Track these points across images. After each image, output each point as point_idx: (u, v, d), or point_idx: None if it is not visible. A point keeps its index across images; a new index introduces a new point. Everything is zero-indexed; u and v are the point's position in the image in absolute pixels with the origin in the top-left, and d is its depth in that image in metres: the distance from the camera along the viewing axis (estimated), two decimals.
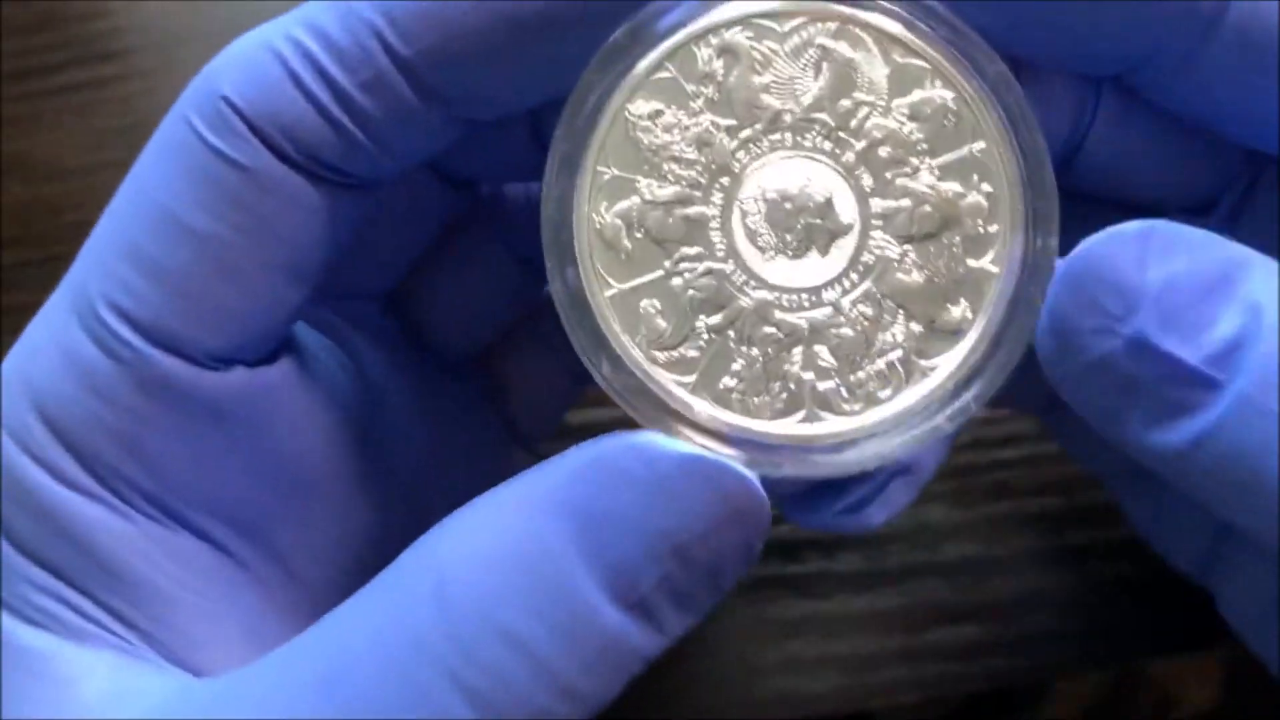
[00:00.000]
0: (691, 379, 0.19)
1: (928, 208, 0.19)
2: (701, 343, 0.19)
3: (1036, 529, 0.31)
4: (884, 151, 0.19)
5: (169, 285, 0.19)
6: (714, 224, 0.19)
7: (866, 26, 0.19)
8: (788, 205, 0.19)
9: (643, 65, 0.19)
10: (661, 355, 0.19)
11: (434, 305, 0.26)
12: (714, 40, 0.19)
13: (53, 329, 0.20)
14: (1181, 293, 0.17)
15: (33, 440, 0.19)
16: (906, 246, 0.19)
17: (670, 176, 0.19)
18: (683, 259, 0.19)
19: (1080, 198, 0.21)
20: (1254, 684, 0.32)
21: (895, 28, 0.19)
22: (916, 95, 0.19)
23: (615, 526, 0.17)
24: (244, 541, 0.20)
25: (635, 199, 0.19)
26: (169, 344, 0.19)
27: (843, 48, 0.19)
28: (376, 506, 0.22)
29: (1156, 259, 0.17)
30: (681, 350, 0.19)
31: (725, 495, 0.17)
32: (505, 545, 0.17)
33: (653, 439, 0.18)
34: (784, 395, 0.19)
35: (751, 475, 0.18)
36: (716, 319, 0.19)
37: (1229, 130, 0.21)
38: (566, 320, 0.19)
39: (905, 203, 0.19)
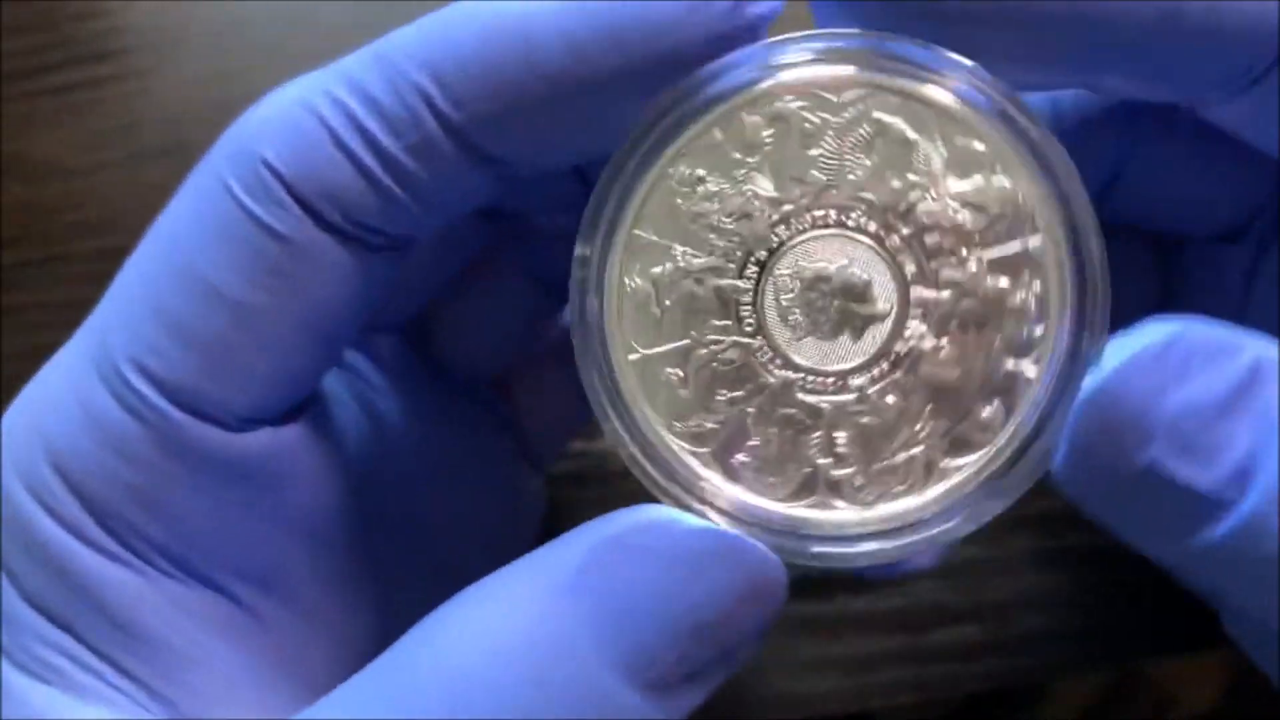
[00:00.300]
0: (706, 451, 0.18)
1: (970, 301, 0.18)
2: (721, 416, 0.18)
3: (1036, 530, 0.31)
4: (931, 238, 0.18)
5: (198, 349, 0.18)
6: (745, 299, 0.18)
7: (929, 104, 0.18)
8: (823, 286, 0.18)
9: (689, 130, 0.18)
10: (679, 425, 0.18)
11: (453, 332, 0.26)
12: (765, 108, 0.18)
13: (73, 383, 0.19)
14: (1197, 416, 0.16)
15: (48, 494, 0.19)
16: (944, 339, 0.18)
17: (706, 246, 0.18)
18: (710, 330, 0.18)
19: (1112, 228, 0.21)
20: (1253, 685, 0.32)
21: (960, 109, 0.18)
22: (974, 182, 0.18)
23: (634, 606, 0.17)
24: (261, 595, 0.20)
25: (669, 265, 0.18)
26: (194, 407, 0.19)
27: (900, 124, 0.18)
28: (393, 547, 0.22)
29: (1174, 380, 0.16)
30: (699, 421, 0.18)
31: (747, 572, 0.17)
32: (518, 632, 0.17)
33: (672, 514, 0.17)
34: (797, 478, 0.18)
35: (771, 552, 0.17)
36: (738, 394, 0.18)
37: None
38: (585, 379, 0.18)
39: (947, 294, 0.18)
